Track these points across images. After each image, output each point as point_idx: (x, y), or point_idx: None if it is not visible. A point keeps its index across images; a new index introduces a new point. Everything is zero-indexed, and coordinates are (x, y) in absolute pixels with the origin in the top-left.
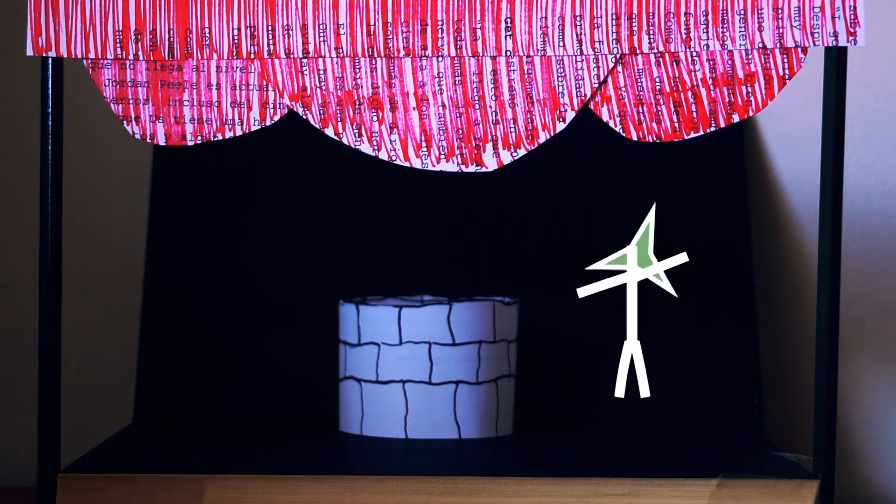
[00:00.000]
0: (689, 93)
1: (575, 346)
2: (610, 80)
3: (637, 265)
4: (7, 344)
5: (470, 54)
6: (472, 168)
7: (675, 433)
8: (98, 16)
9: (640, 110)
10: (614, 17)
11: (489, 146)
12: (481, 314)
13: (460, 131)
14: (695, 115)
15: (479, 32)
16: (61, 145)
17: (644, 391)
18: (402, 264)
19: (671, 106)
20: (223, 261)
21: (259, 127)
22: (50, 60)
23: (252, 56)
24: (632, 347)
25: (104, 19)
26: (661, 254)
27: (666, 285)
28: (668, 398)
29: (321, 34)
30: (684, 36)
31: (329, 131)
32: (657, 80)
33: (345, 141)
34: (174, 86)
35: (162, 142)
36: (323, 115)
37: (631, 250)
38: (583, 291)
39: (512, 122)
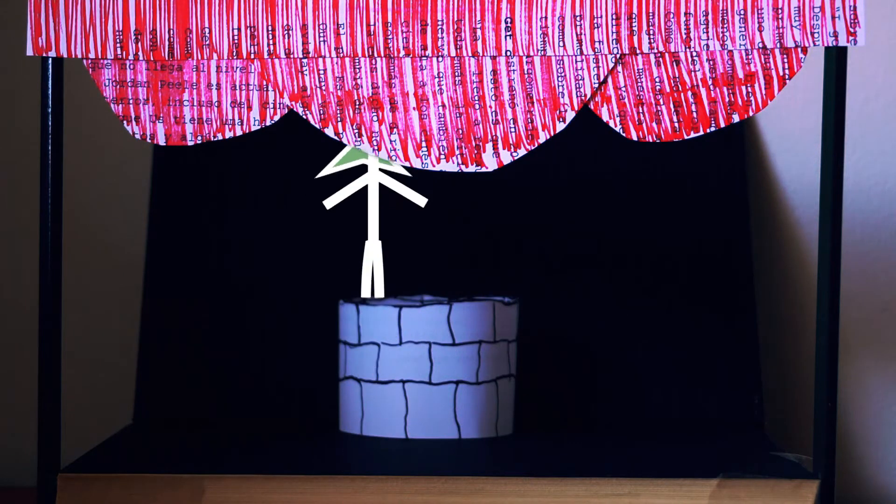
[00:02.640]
0: (689, 93)
1: (575, 346)
2: (610, 80)
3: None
4: (7, 344)
5: (470, 54)
6: (472, 168)
7: (675, 433)
8: (98, 16)
9: (640, 110)
10: (614, 17)
11: (489, 146)
12: (481, 314)
13: (460, 131)
14: (695, 115)
15: (479, 32)
16: (61, 145)
17: (378, 292)
18: (402, 264)
19: (671, 106)
20: (223, 261)
21: (259, 127)
22: (50, 60)
23: (252, 56)
24: (374, 249)
25: (104, 19)
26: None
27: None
28: (668, 398)
29: (321, 34)
30: (684, 36)
31: (329, 131)
32: (657, 80)
33: (345, 141)
34: (174, 86)
35: (162, 142)
36: (323, 115)
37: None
38: (329, 202)
39: (512, 122)
